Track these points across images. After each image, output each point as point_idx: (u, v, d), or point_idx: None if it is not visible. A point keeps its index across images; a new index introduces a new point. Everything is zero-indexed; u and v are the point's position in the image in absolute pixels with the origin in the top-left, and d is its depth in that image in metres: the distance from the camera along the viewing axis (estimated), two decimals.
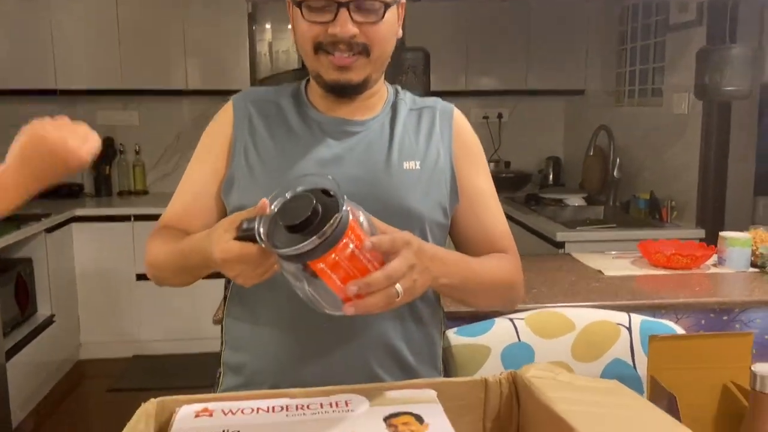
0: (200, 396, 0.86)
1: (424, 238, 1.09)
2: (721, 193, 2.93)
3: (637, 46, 3.58)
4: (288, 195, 0.80)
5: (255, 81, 3.91)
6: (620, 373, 1.30)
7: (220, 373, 1.14)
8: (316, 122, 1.09)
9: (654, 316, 1.70)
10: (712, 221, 2.94)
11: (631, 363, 1.31)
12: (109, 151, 3.94)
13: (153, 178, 4.14)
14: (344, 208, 0.75)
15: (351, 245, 0.74)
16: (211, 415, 0.82)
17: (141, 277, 3.59)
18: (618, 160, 3.49)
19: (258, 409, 0.83)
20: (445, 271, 0.92)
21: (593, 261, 2.10)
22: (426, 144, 1.11)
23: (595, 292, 1.75)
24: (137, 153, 4.07)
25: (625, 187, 3.53)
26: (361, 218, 0.80)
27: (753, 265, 1.96)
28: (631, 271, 1.96)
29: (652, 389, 1.09)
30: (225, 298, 1.16)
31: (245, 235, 0.81)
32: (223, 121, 1.12)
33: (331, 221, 0.72)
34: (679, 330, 1.32)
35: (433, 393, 0.88)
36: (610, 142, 3.53)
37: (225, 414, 0.82)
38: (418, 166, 1.08)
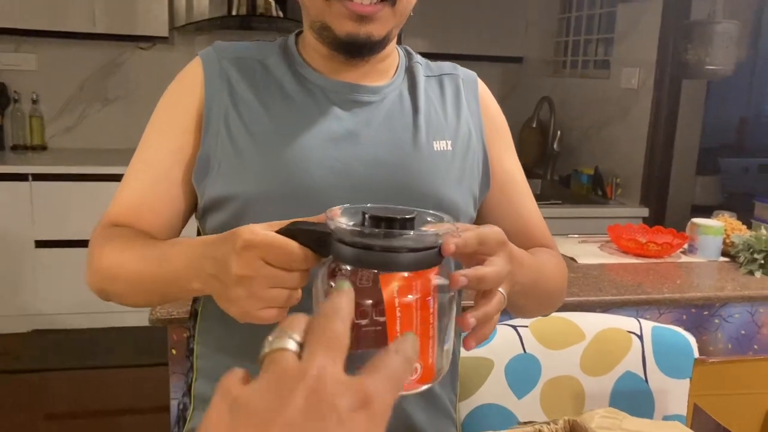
0: None
1: None
2: (667, 171, 2.91)
3: (583, 15, 3.47)
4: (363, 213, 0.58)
5: (173, 28, 3.52)
6: (632, 387, 1.17)
7: (184, 405, 0.90)
8: (318, 87, 0.86)
9: (638, 312, 1.60)
10: (657, 200, 2.92)
11: (642, 376, 1.18)
12: (1, 98, 3.44)
13: (53, 132, 3.67)
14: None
15: (433, 281, 0.54)
16: None
17: (41, 243, 3.19)
18: (559, 132, 3.41)
19: None
20: (521, 275, 0.70)
21: (560, 246, 1.97)
22: (456, 119, 0.91)
23: (576, 284, 1.63)
24: (34, 102, 3.58)
25: (564, 161, 3.46)
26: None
27: (723, 254, 1.90)
28: (604, 259, 1.85)
29: (697, 420, 0.98)
30: (193, 314, 0.91)
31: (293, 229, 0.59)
32: (189, 84, 0.85)
33: (438, 232, 0.56)
34: (691, 339, 1.20)
35: None
36: (550, 114, 3.44)
37: None
38: (449, 147, 0.88)
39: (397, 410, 0.39)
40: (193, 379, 0.88)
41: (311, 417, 0.32)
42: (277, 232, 0.59)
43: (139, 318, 3.30)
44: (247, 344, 0.62)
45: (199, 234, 0.88)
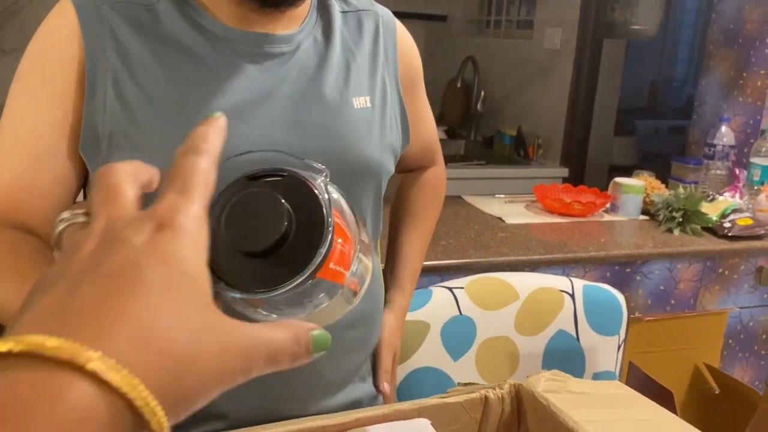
0: None
1: (378, 194, 0.84)
2: (586, 132, 2.96)
3: None
4: (223, 195, 0.43)
5: None
6: (565, 346, 1.17)
7: None
8: (223, 40, 0.73)
9: (564, 271, 1.61)
10: (576, 160, 2.97)
11: (574, 334, 1.18)
12: None
13: None
14: (329, 219, 0.43)
15: (338, 241, 0.45)
16: None
17: None
18: (482, 93, 3.40)
19: None
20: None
21: (488, 206, 1.97)
22: (372, 71, 0.83)
23: (505, 244, 1.62)
24: None
25: (488, 121, 3.47)
26: (335, 194, 0.49)
27: (643, 212, 1.94)
28: (530, 219, 1.85)
29: (632, 376, 0.99)
30: None
31: None
32: (62, 37, 0.70)
33: (323, 240, 0.41)
34: (620, 297, 1.21)
35: (427, 423, 0.67)
36: (474, 74, 3.42)
37: None
38: (368, 104, 0.80)
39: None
40: None
41: (101, 255, 0.27)
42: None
43: None
44: None
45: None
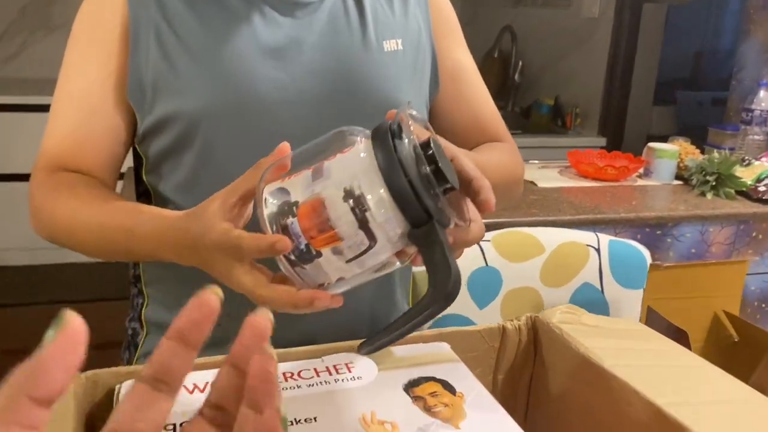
0: (141, 368, 0.63)
1: None
2: (624, 101, 2.93)
3: None
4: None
5: None
6: (589, 298, 1.21)
7: (134, 330, 0.87)
8: None
9: (594, 232, 1.63)
10: (614, 130, 2.95)
11: (599, 287, 1.21)
12: None
13: None
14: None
15: None
16: None
17: None
18: (520, 63, 3.39)
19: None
20: None
21: None
22: (403, 13, 0.84)
23: (535, 205, 1.65)
24: None
25: (526, 91, 3.46)
26: None
27: (677, 177, 1.94)
28: (563, 183, 1.88)
29: (650, 320, 1.02)
30: None
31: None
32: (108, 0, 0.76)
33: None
34: (645, 252, 1.24)
35: (447, 347, 0.72)
36: (512, 44, 3.41)
37: (190, 392, 0.60)
38: (400, 46, 0.82)
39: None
40: (144, 305, 0.85)
41: None
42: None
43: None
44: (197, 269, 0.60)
45: (136, 156, 0.82)
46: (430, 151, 0.51)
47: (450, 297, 0.51)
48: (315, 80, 0.78)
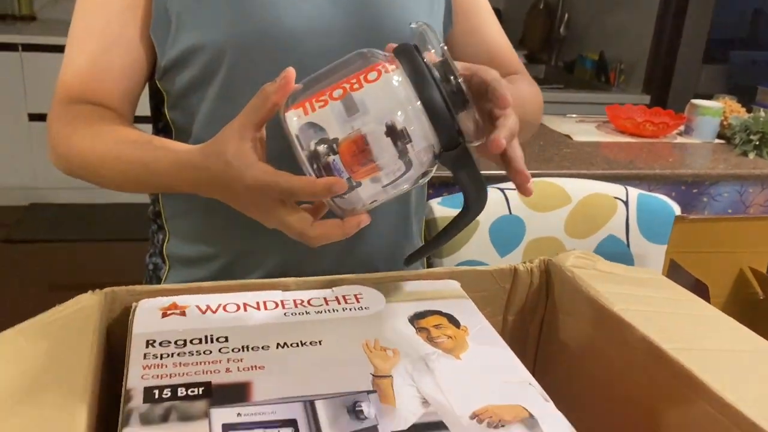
0: (163, 287, 0.66)
1: None
2: (672, 58, 2.83)
3: None
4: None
5: None
6: (614, 250, 1.19)
7: (155, 265, 0.88)
8: None
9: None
10: (659, 88, 2.86)
11: (624, 240, 1.20)
12: None
13: (42, 2, 3.55)
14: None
15: None
16: (183, 313, 0.62)
17: (35, 117, 3.17)
18: (566, 15, 3.29)
19: (245, 305, 0.64)
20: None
21: (557, 124, 1.96)
22: None
23: (568, 158, 1.62)
24: None
25: (570, 45, 3.37)
26: None
27: (719, 136, 1.88)
28: (599, 137, 1.84)
29: (673, 274, 1.01)
30: None
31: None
32: None
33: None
34: (675, 206, 1.22)
35: (456, 285, 0.72)
36: None
37: (202, 312, 0.62)
38: None
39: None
40: (165, 240, 0.86)
41: None
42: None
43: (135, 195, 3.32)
44: (218, 201, 0.61)
45: (154, 92, 0.81)
46: (451, 68, 0.54)
47: (482, 208, 0.59)
48: (339, 11, 0.77)
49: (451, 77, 0.53)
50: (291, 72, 0.55)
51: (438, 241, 0.63)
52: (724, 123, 1.86)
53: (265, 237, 0.80)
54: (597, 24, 3.24)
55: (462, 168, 0.56)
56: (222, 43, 0.73)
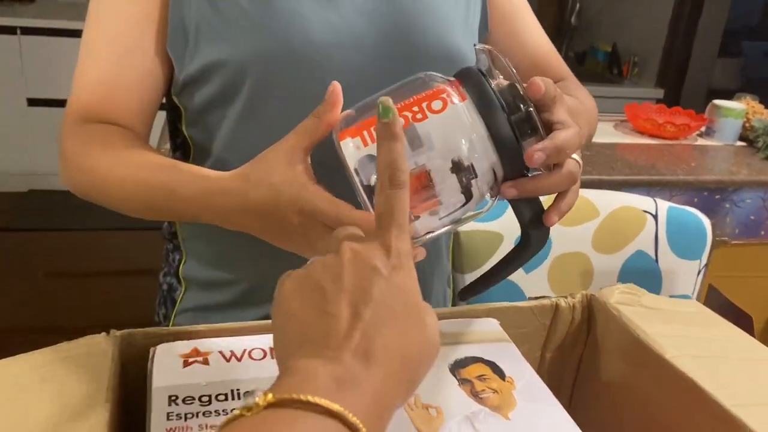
0: (182, 330, 0.60)
1: None
2: (687, 51, 2.77)
3: None
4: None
5: None
6: (642, 267, 1.15)
7: (169, 286, 0.83)
8: None
9: (649, 194, 1.55)
10: (673, 82, 2.80)
11: (653, 256, 1.15)
12: None
13: None
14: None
15: None
16: (206, 361, 0.57)
17: (34, 102, 3.09)
18: (578, 5, 3.22)
19: (271, 350, 0.59)
20: (584, 128, 0.63)
21: None
22: None
23: (589, 163, 1.57)
24: None
25: (582, 36, 3.30)
26: None
27: (741, 138, 1.83)
28: (618, 139, 1.79)
29: (711, 299, 0.97)
30: None
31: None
32: None
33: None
34: (706, 221, 1.17)
35: (496, 324, 0.67)
36: None
37: (227, 360, 0.58)
38: None
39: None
40: (182, 262, 0.81)
41: (364, 288, 0.35)
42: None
43: None
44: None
45: (171, 108, 0.76)
46: (520, 93, 0.50)
47: (544, 244, 0.57)
48: (368, 22, 0.71)
49: (521, 104, 0.49)
50: (337, 86, 0.51)
51: (494, 277, 0.61)
52: (746, 125, 1.81)
53: (288, 263, 0.75)
54: (609, 13, 3.17)
55: (525, 200, 0.53)
56: (244, 59, 0.67)
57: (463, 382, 0.57)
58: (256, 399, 0.32)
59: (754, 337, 0.83)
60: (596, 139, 1.76)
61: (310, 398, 0.31)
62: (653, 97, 2.76)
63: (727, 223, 1.63)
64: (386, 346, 0.34)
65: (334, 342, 0.34)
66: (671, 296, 1.17)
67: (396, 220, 0.38)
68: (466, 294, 0.61)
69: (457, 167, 0.48)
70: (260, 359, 0.58)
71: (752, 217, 1.64)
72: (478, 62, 0.52)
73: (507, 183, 0.50)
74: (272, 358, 0.58)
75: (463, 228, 1.08)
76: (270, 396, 0.32)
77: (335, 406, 0.31)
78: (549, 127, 0.51)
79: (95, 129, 0.68)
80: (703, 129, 1.84)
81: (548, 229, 0.55)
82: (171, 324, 0.81)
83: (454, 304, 0.93)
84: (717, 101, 1.82)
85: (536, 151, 0.48)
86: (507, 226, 1.12)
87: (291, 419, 0.31)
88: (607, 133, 1.82)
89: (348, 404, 0.32)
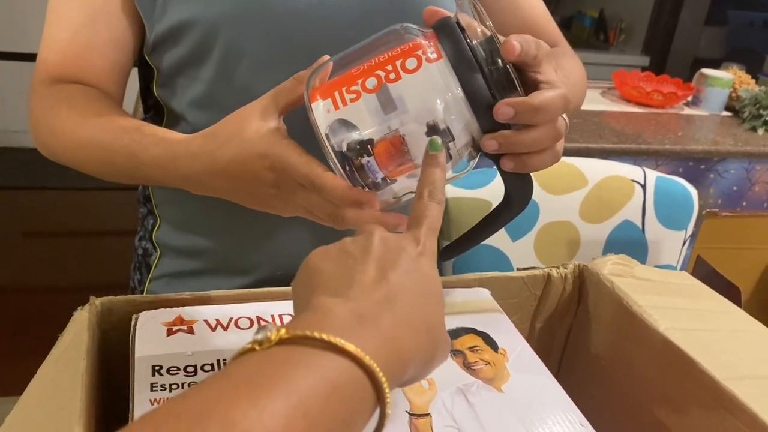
0: (165, 297, 0.58)
1: None
2: (674, 19, 2.74)
3: None
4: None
5: None
6: (629, 236, 1.14)
7: (144, 251, 0.80)
8: None
9: (635, 163, 1.55)
10: (659, 49, 2.78)
11: (640, 226, 1.15)
12: None
13: None
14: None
15: None
16: (191, 330, 0.55)
17: (3, 56, 2.99)
18: None
19: (258, 318, 0.57)
20: (572, 95, 0.59)
21: None
22: None
23: (576, 130, 1.56)
24: None
25: (568, 1, 3.25)
26: None
27: (727, 108, 1.82)
28: (605, 106, 1.77)
29: (699, 270, 0.96)
30: None
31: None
32: None
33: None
34: (693, 192, 1.16)
35: (488, 294, 0.66)
36: None
37: (212, 329, 0.56)
38: None
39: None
40: (156, 227, 0.78)
41: (393, 261, 0.36)
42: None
43: None
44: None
45: (144, 67, 0.72)
46: (497, 48, 0.47)
47: (526, 204, 0.54)
48: None
49: (498, 59, 0.46)
50: (327, 60, 0.48)
51: (476, 237, 0.57)
52: (733, 95, 1.80)
53: (263, 232, 0.73)
54: None
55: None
56: (216, 18, 0.63)
57: (455, 353, 0.56)
58: (269, 333, 0.30)
59: (741, 307, 0.83)
60: (583, 107, 1.74)
61: (324, 336, 0.29)
62: (639, 65, 2.74)
63: (710, 194, 1.63)
64: (410, 305, 0.34)
65: (359, 288, 0.34)
66: (656, 266, 1.17)
67: (429, 224, 0.40)
68: (448, 253, 0.59)
69: (433, 131, 0.45)
70: (247, 328, 0.56)
71: (735, 188, 1.64)
72: (461, 8, 0.48)
73: (488, 135, 0.47)
74: (259, 326, 0.56)
75: (451, 195, 1.07)
76: (283, 331, 0.30)
77: (350, 346, 0.29)
78: (535, 87, 0.48)
79: (63, 90, 0.65)
80: (690, 98, 1.84)
81: (531, 189, 0.52)
82: (146, 290, 0.78)
83: (441, 273, 0.91)
84: (704, 70, 1.81)
85: (504, 105, 0.45)
86: (495, 194, 1.10)
87: (299, 357, 0.29)
88: (594, 101, 1.81)
89: (365, 344, 0.30)
